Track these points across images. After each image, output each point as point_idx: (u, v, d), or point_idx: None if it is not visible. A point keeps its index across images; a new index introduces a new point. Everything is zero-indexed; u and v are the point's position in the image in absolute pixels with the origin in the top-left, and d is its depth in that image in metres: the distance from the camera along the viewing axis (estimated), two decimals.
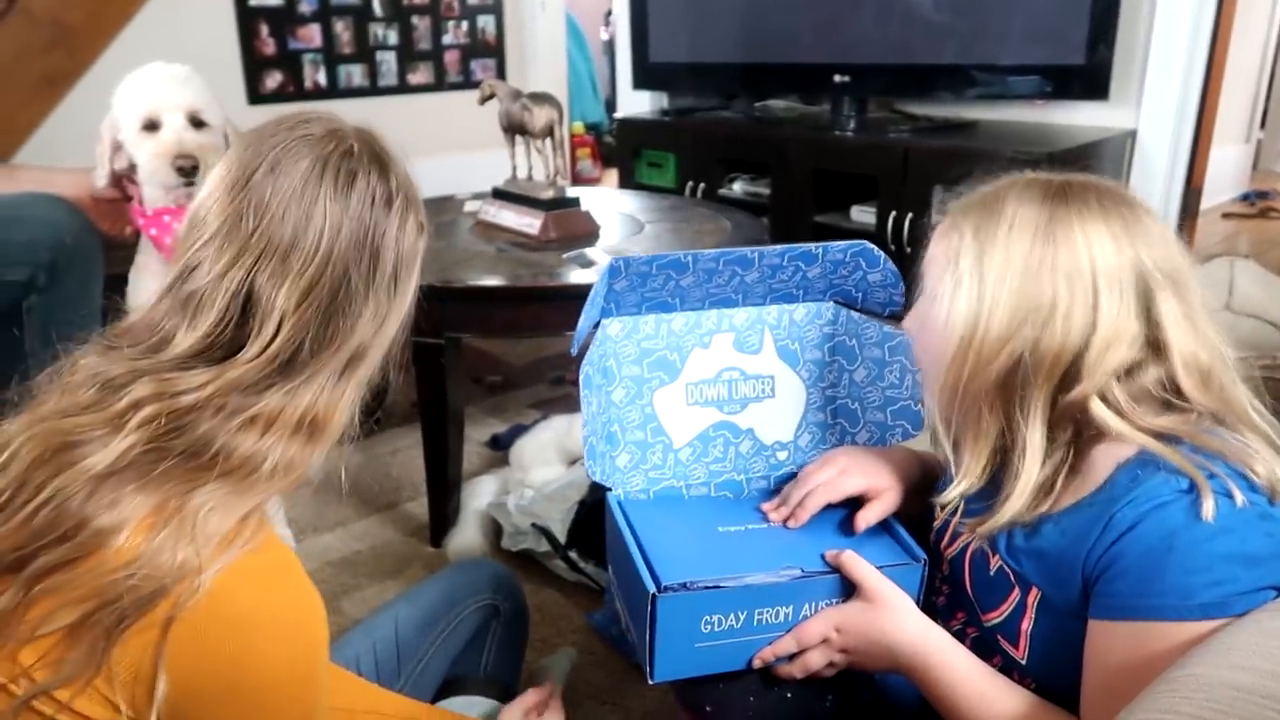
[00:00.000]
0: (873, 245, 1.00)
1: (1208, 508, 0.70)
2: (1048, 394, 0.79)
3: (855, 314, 1.07)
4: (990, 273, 0.79)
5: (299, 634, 0.67)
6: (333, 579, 1.74)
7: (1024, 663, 0.82)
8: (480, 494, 1.89)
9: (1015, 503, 0.79)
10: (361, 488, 2.08)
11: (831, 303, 1.08)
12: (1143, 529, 0.72)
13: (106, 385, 0.68)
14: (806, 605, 0.89)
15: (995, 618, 0.85)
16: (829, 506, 0.98)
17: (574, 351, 0.98)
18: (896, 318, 1.05)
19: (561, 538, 1.66)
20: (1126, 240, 0.78)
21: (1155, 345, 0.78)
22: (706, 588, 0.87)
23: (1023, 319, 0.78)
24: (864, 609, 0.87)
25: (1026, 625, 0.82)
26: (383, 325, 0.74)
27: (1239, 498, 0.71)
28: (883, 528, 0.98)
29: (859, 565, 0.88)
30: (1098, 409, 0.77)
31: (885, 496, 0.97)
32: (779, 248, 0.98)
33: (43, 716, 0.62)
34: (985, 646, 0.87)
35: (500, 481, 1.93)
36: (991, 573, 0.86)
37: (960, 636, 0.90)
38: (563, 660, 1.42)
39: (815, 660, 0.88)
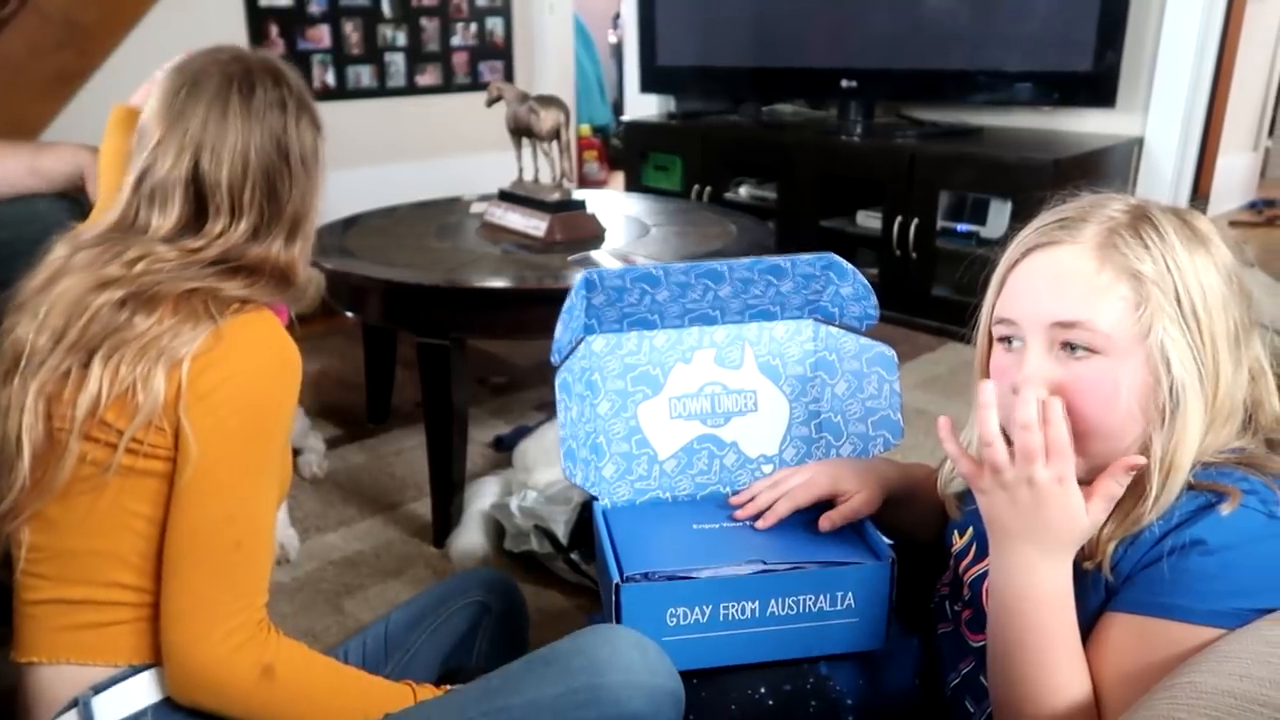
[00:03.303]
0: (840, 258, 1.02)
1: (1236, 519, 0.71)
2: None
3: (833, 329, 1.09)
4: (1201, 324, 0.75)
5: (278, 354, 0.91)
6: (335, 578, 1.74)
7: None
8: (483, 495, 1.89)
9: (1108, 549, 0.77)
10: (365, 487, 2.08)
11: (811, 320, 1.10)
12: (1167, 542, 0.72)
13: (109, 260, 0.89)
14: (773, 601, 0.91)
15: None
16: (805, 509, 1.00)
17: (555, 361, 1.00)
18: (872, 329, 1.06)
19: (564, 539, 1.66)
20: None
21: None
22: (668, 578, 0.89)
23: (1231, 378, 0.75)
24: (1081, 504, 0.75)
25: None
26: (306, 197, 0.98)
27: (1279, 517, 0.71)
28: (853, 529, 1.00)
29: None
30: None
31: (854, 500, 0.99)
32: (748, 260, 1.00)
33: (127, 466, 0.85)
34: None
35: (503, 483, 1.93)
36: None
37: (984, 654, 0.90)
38: None
39: (995, 456, 0.75)
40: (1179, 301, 0.74)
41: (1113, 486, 0.74)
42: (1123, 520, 0.75)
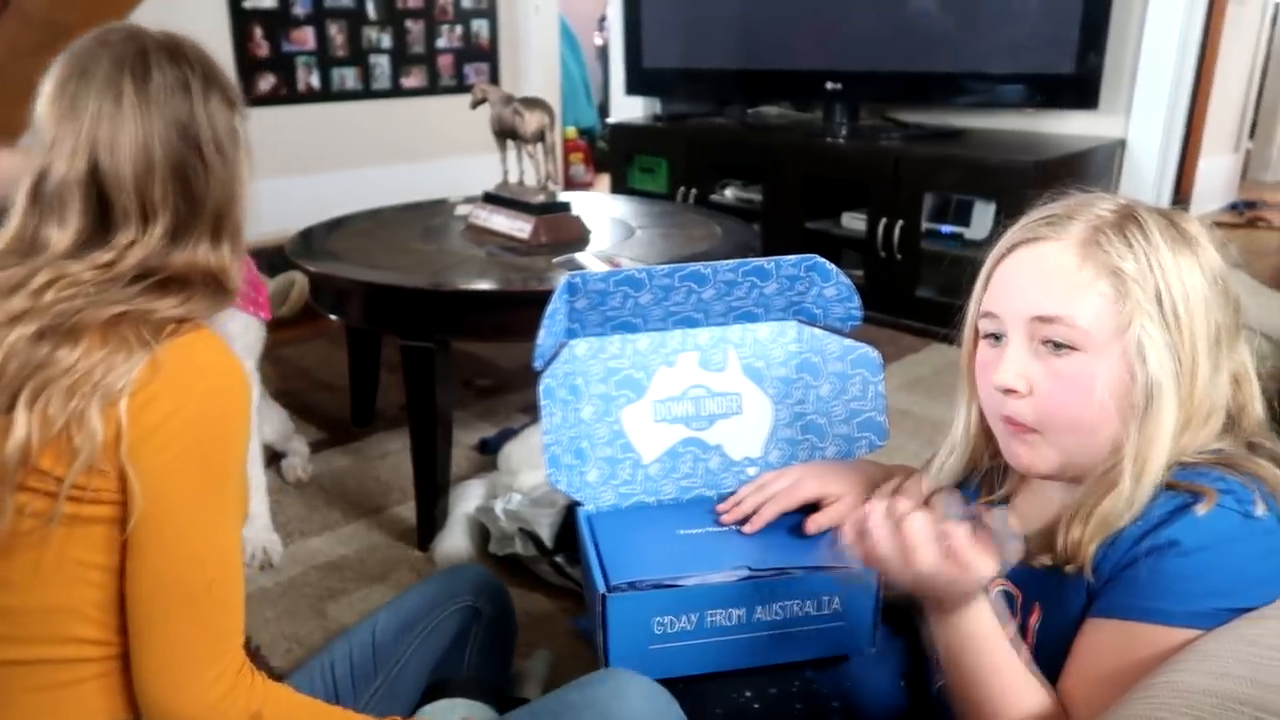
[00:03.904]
0: (823, 259, 1.02)
1: (1212, 520, 0.71)
2: None
3: (817, 330, 1.09)
4: (1181, 324, 0.75)
5: (224, 378, 0.83)
6: (319, 583, 1.73)
7: None
8: (468, 498, 1.88)
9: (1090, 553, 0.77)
10: (349, 491, 2.07)
11: (794, 321, 1.10)
12: (1144, 544, 0.73)
13: (12, 290, 0.79)
14: (759, 608, 0.91)
15: None
16: (789, 513, 1.00)
17: (537, 366, 1.00)
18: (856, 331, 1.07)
19: (549, 542, 1.66)
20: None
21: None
22: (654, 587, 0.89)
23: (1208, 379, 0.76)
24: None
25: (1028, 652, 0.81)
26: (227, 186, 0.87)
27: (1254, 517, 0.71)
28: (838, 532, 0.99)
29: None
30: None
31: (841, 503, 0.99)
32: (732, 262, 1.00)
33: (71, 515, 0.77)
34: None
35: (488, 485, 1.93)
36: (992, 597, 0.86)
37: None
38: (539, 664, 1.42)
39: (913, 533, 0.76)
40: (1159, 300, 0.75)
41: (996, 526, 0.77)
42: (1101, 522, 0.75)
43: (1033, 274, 0.79)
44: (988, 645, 0.78)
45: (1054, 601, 0.80)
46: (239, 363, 0.85)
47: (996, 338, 0.82)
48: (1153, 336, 0.74)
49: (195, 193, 0.84)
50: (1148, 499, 0.74)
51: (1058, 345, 0.77)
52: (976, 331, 0.85)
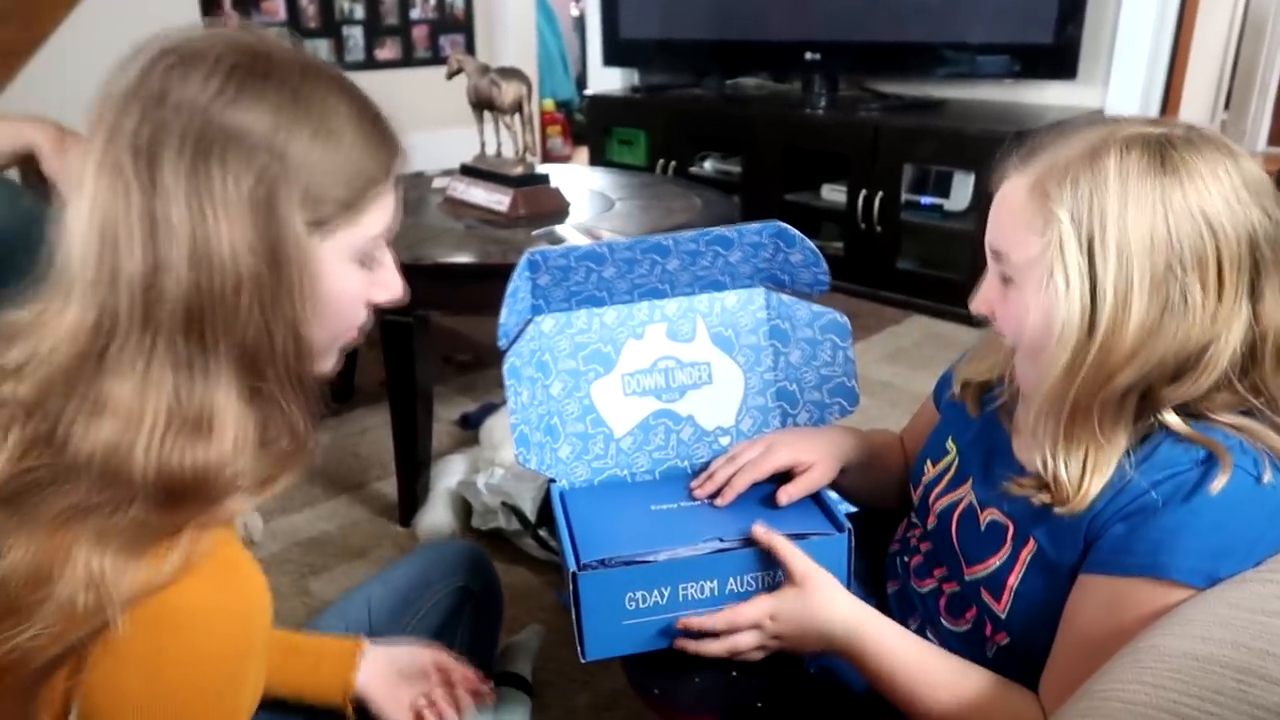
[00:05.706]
0: (787, 225, 1.01)
1: (1220, 481, 0.71)
2: (1149, 393, 0.75)
3: (785, 297, 1.09)
4: (1109, 269, 0.71)
5: (223, 646, 0.60)
6: (301, 559, 1.72)
7: (1003, 616, 0.82)
8: (450, 473, 1.88)
9: (1088, 497, 0.76)
10: (330, 467, 2.06)
11: (762, 288, 1.09)
12: (1153, 495, 0.73)
13: None
14: (731, 579, 0.90)
15: (980, 571, 0.85)
16: (761, 482, 0.99)
17: (502, 345, 0.98)
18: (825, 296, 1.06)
19: (531, 516, 1.66)
20: (1240, 205, 0.71)
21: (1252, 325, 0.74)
22: (625, 563, 0.89)
23: (1153, 324, 0.71)
24: (796, 595, 0.87)
25: (1013, 580, 0.81)
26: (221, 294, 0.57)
27: (1264, 481, 0.71)
28: (812, 499, 0.99)
29: (787, 549, 0.88)
30: (1171, 414, 0.75)
31: (813, 470, 0.99)
32: (694, 232, 0.99)
33: None
34: (963, 601, 0.88)
35: (470, 460, 1.92)
36: (982, 528, 0.86)
37: (936, 594, 0.91)
38: (531, 638, 1.42)
39: (745, 642, 0.88)
40: (1090, 243, 0.72)
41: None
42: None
43: (995, 209, 0.82)
44: (883, 645, 0.84)
45: (1048, 539, 0.79)
46: (250, 577, 0.62)
47: None
48: (1070, 281, 0.72)
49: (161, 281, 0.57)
50: (1046, 441, 0.77)
51: (1005, 278, 0.80)
52: None
